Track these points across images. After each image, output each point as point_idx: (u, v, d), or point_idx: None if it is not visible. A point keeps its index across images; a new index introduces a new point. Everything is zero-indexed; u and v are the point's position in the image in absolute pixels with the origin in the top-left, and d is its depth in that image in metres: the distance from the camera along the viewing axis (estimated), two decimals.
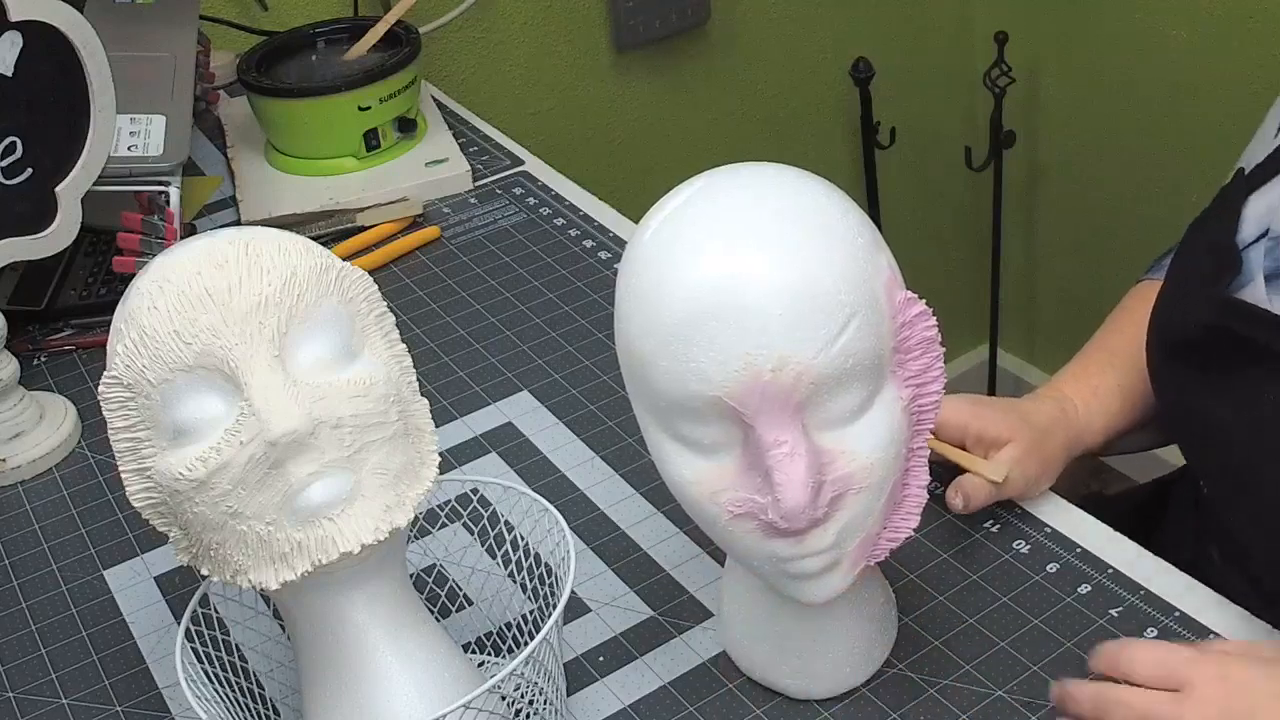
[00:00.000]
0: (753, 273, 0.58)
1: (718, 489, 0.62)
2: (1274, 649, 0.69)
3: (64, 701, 0.79)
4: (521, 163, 1.32)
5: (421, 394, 0.69)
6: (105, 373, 0.64)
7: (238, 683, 0.74)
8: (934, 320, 0.63)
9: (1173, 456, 0.93)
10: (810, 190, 0.61)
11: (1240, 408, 0.77)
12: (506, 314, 1.09)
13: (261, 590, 0.65)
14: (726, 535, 0.64)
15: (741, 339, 0.58)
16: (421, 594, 0.74)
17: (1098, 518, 0.83)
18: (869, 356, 0.60)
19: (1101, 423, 0.91)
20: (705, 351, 0.58)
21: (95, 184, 0.98)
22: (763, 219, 0.59)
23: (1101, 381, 0.92)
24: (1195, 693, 0.65)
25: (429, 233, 1.21)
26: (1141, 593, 0.77)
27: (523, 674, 0.74)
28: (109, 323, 0.66)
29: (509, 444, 0.95)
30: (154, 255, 0.90)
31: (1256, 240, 0.80)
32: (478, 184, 1.29)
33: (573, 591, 0.80)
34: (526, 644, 0.69)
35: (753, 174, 0.62)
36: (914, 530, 0.67)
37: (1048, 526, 0.82)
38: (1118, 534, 0.81)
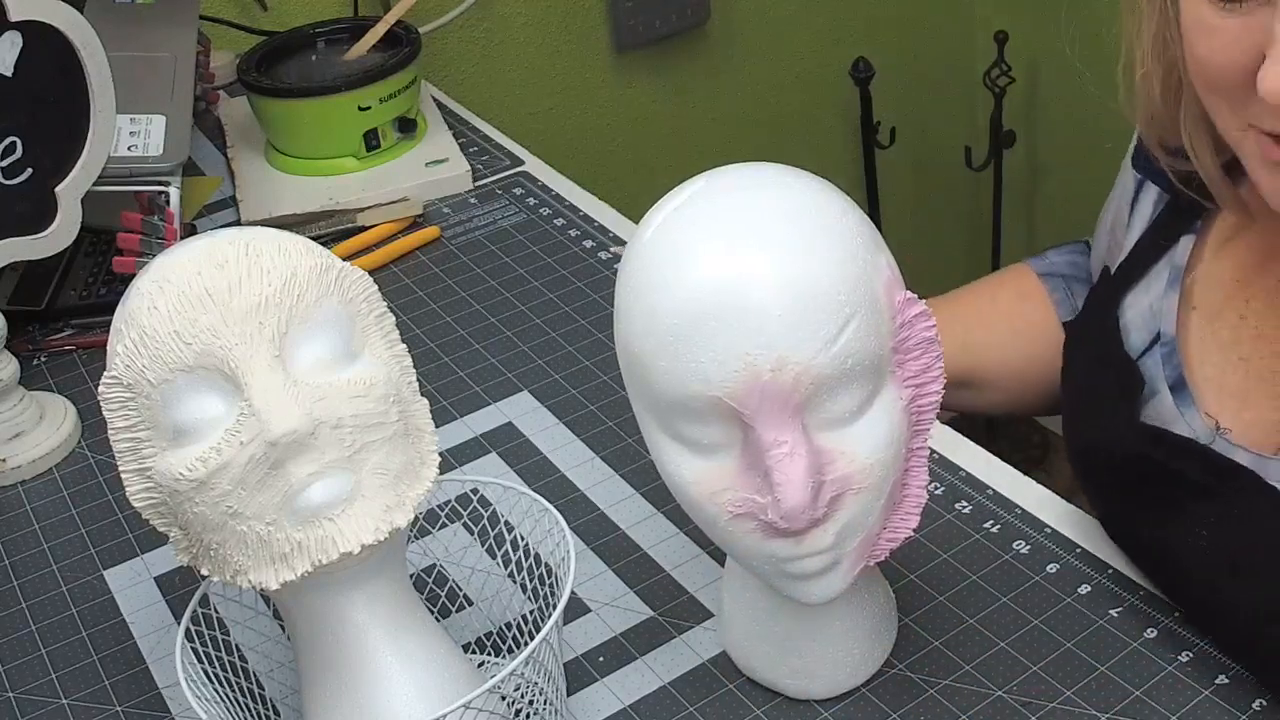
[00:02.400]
0: (753, 273, 0.58)
1: (717, 489, 0.62)
2: None
3: (64, 701, 0.79)
4: (521, 163, 1.32)
5: (421, 394, 0.69)
6: (105, 373, 0.64)
7: (238, 683, 0.74)
8: (934, 320, 0.63)
9: None
10: (810, 190, 0.61)
11: (1180, 534, 0.73)
12: (506, 314, 1.09)
13: (261, 590, 0.65)
14: (726, 535, 0.64)
15: (741, 339, 0.58)
16: (421, 594, 0.74)
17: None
18: (868, 357, 0.60)
19: None
20: (705, 351, 0.58)
21: (95, 184, 0.98)
22: (763, 219, 0.59)
23: None
24: None
25: (429, 233, 1.21)
26: (1141, 593, 0.77)
27: (523, 674, 0.74)
28: (109, 323, 0.66)
29: (509, 444, 0.95)
30: (154, 255, 0.90)
31: (1150, 348, 0.78)
32: (478, 184, 1.29)
33: (573, 591, 0.80)
34: (526, 644, 0.69)
35: (753, 174, 0.62)
36: (914, 530, 0.67)
37: (1048, 527, 0.82)
38: None
